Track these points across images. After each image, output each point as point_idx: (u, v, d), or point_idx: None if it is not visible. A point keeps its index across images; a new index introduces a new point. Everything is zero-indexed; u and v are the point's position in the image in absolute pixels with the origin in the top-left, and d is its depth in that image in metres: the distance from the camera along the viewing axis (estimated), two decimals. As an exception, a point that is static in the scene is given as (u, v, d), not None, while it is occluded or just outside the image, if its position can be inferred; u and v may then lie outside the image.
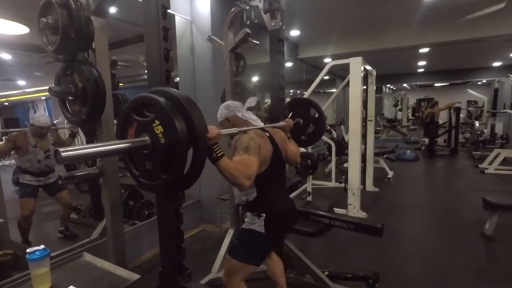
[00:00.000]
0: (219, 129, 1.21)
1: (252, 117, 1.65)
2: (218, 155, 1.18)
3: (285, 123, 1.86)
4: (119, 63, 3.37)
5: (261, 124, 1.66)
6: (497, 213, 3.11)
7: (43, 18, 1.26)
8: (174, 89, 1.01)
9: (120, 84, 3.65)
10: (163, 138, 0.89)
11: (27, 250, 1.28)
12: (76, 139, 4.27)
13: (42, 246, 1.32)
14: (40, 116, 3.03)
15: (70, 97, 1.36)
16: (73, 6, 1.22)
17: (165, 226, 1.27)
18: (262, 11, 2.05)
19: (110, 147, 0.86)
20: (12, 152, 3.02)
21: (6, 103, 13.27)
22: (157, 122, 0.90)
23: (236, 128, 1.45)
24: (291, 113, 2.10)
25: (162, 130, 0.89)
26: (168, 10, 1.17)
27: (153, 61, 1.18)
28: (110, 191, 1.50)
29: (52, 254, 2.54)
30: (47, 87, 1.32)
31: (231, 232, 2.53)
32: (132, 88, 8.47)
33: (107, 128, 1.47)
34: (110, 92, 1.47)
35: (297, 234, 2.23)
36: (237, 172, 1.24)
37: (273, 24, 2.07)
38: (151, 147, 0.91)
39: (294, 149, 1.78)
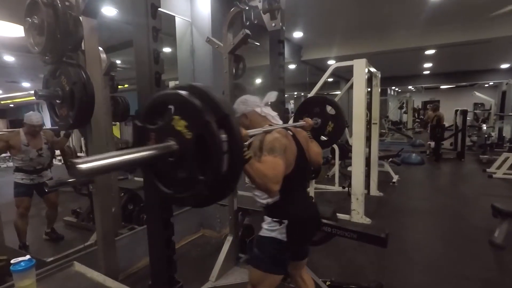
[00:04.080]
0: (244, 130, 1.12)
1: (271, 113, 1.53)
2: (246, 158, 1.06)
3: (304, 122, 1.74)
4: (120, 65, 3.32)
5: (280, 121, 1.55)
6: (507, 221, 2.99)
7: (28, 18, 1.21)
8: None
9: (119, 86, 3.61)
10: (189, 132, 0.75)
11: (12, 261, 1.23)
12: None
13: (27, 257, 1.26)
14: (32, 115, 3.04)
15: (57, 101, 1.31)
16: (59, 5, 1.17)
17: (154, 237, 1.20)
18: (261, 11, 1.99)
19: (137, 154, 0.70)
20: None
21: (12, 105, 13.39)
22: (177, 117, 0.77)
23: (261, 129, 1.35)
24: (306, 114, 2.01)
25: (185, 123, 0.75)
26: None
27: (142, 63, 1.12)
28: (100, 199, 1.44)
29: (48, 260, 2.51)
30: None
31: (229, 239, 2.46)
32: (134, 90, 8.45)
33: (97, 133, 1.41)
34: (103, 94, 1.43)
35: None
36: (266, 176, 1.15)
37: (273, 24, 2.01)
38: (179, 150, 0.78)
39: (316, 149, 1.66)
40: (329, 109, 2.14)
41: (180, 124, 0.76)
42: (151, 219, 1.17)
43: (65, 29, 1.18)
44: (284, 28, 2.03)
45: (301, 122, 1.73)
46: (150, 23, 1.08)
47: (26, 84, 9.20)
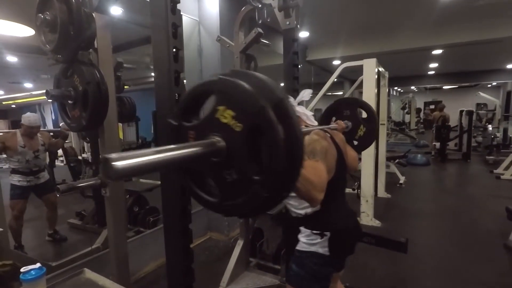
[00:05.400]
0: None
1: (306, 112, 1.38)
2: None
3: (336, 124, 1.60)
4: (125, 65, 3.28)
5: (315, 122, 1.41)
6: (522, 224, 2.93)
7: (40, 14, 1.15)
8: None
9: (126, 86, 3.55)
10: (238, 123, 0.61)
11: (22, 270, 1.17)
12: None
13: (38, 265, 1.21)
14: (30, 115, 3.01)
15: (69, 101, 1.25)
16: (73, 1, 1.11)
17: (172, 245, 1.14)
18: (276, 9, 1.93)
19: (180, 151, 0.56)
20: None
21: (13, 106, 13.33)
22: (221, 107, 0.63)
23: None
24: (334, 118, 1.90)
25: (233, 113, 0.62)
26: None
27: (161, 61, 1.06)
28: (113, 204, 1.38)
29: (54, 264, 2.45)
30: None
31: (240, 243, 2.40)
32: (139, 90, 8.42)
33: (110, 135, 1.35)
34: (114, 95, 1.36)
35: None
36: (311, 183, 0.98)
37: (288, 23, 1.95)
38: (227, 147, 0.64)
39: (353, 154, 1.53)
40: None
41: (226, 116, 0.62)
42: (170, 227, 1.11)
43: (78, 26, 1.12)
44: (298, 26, 1.97)
45: (333, 125, 1.59)
46: (170, 19, 1.02)
47: (28, 85, 9.14)
